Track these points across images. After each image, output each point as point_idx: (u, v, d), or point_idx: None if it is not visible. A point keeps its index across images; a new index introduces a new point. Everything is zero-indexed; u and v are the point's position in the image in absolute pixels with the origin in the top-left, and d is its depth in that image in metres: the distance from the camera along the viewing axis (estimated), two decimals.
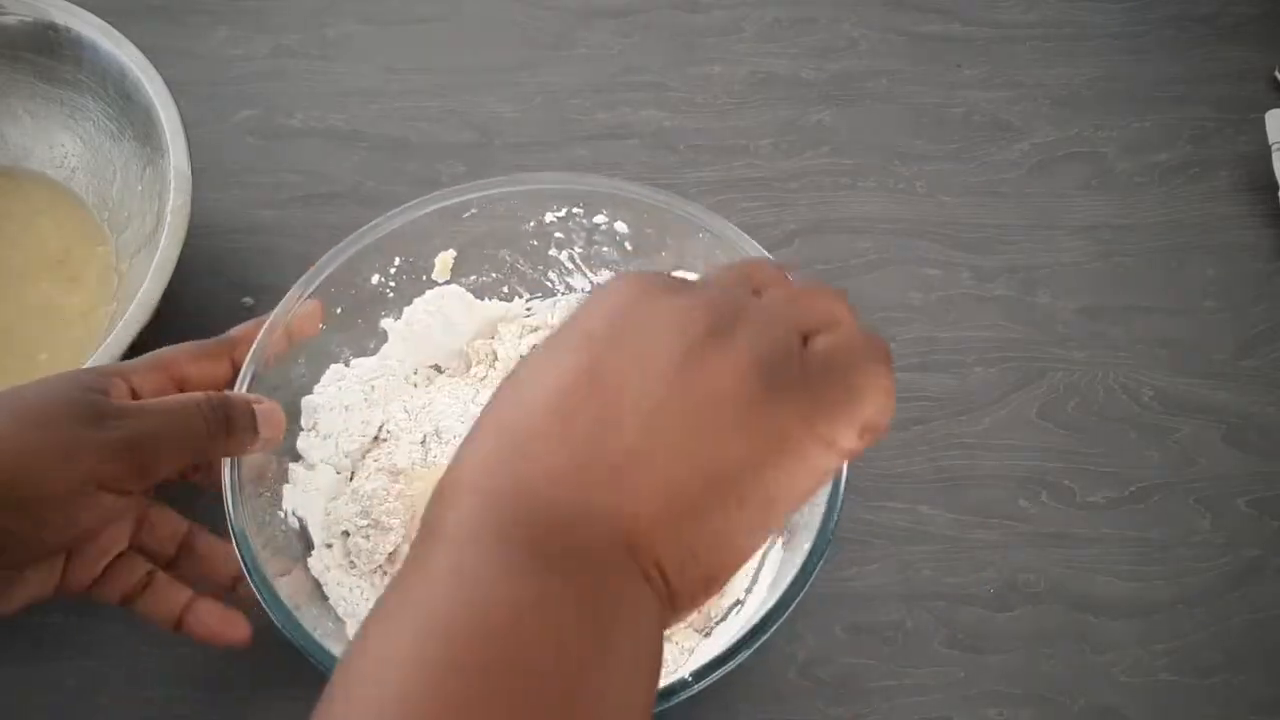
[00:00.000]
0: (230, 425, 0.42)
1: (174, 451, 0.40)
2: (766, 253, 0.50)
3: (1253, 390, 0.59)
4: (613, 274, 0.29)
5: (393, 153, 0.67)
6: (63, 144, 0.63)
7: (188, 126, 0.56)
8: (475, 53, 0.71)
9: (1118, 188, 0.66)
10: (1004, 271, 0.63)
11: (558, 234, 0.54)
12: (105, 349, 0.49)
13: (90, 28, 0.59)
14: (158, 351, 0.43)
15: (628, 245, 0.54)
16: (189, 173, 0.55)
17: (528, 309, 0.56)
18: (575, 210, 0.53)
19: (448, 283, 0.55)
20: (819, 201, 0.65)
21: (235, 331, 0.46)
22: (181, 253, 0.53)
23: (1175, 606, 0.53)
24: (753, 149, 0.67)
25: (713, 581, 0.29)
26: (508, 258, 0.55)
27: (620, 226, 0.53)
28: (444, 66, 0.71)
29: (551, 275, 0.56)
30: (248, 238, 0.63)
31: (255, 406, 0.43)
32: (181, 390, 0.43)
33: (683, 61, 0.71)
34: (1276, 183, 0.64)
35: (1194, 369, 0.59)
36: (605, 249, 0.55)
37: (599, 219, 0.54)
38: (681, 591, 0.28)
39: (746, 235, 0.50)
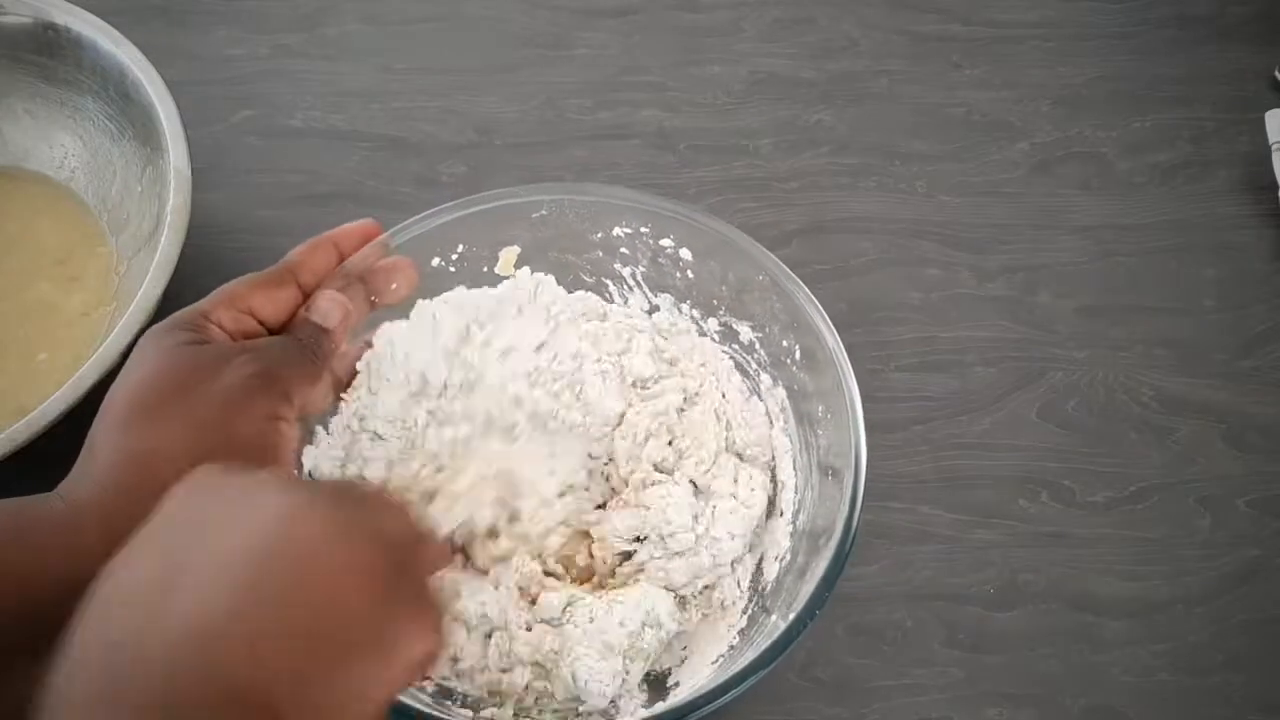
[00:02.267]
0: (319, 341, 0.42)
1: (299, 369, 0.40)
2: (818, 304, 0.50)
3: (1253, 390, 0.59)
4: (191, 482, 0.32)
5: (393, 153, 0.67)
6: (63, 144, 0.63)
7: (188, 126, 0.56)
8: (475, 53, 0.71)
9: (1118, 188, 0.66)
10: (1004, 271, 0.63)
11: (623, 249, 0.54)
12: (105, 349, 0.49)
13: (90, 28, 0.59)
14: (222, 289, 0.42)
15: (690, 273, 0.54)
16: (189, 173, 0.55)
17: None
18: (643, 229, 0.53)
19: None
20: (819, 201, 0.65)
21: (293, 255, 0.44)
22: (181, 252, 0.53)
23: (1175, 606, 0.53)
24: (753, 149, 0.67)
25: None
26: (572, 262, 0.55)
27: (685, 253, 0.53)
28: (444, 66, 0.71)
29: (612, 288, 0.56)
30: (248, 238, 0.63)
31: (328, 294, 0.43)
32: (257, 319, 0.42)
33: (683, 61, 0.71)
34: (1276, 183, 0.64)
35: (1194, 369, 0.59)
36: (668, 272, 0.55)
37: (665, 242, 0.53)
38: None
39: (801, 283, 0.50)
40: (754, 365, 0.54)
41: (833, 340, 0.49)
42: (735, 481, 0.51)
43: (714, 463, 0.51)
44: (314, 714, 0.28)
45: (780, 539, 0.50)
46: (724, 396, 0.53)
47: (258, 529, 0.29)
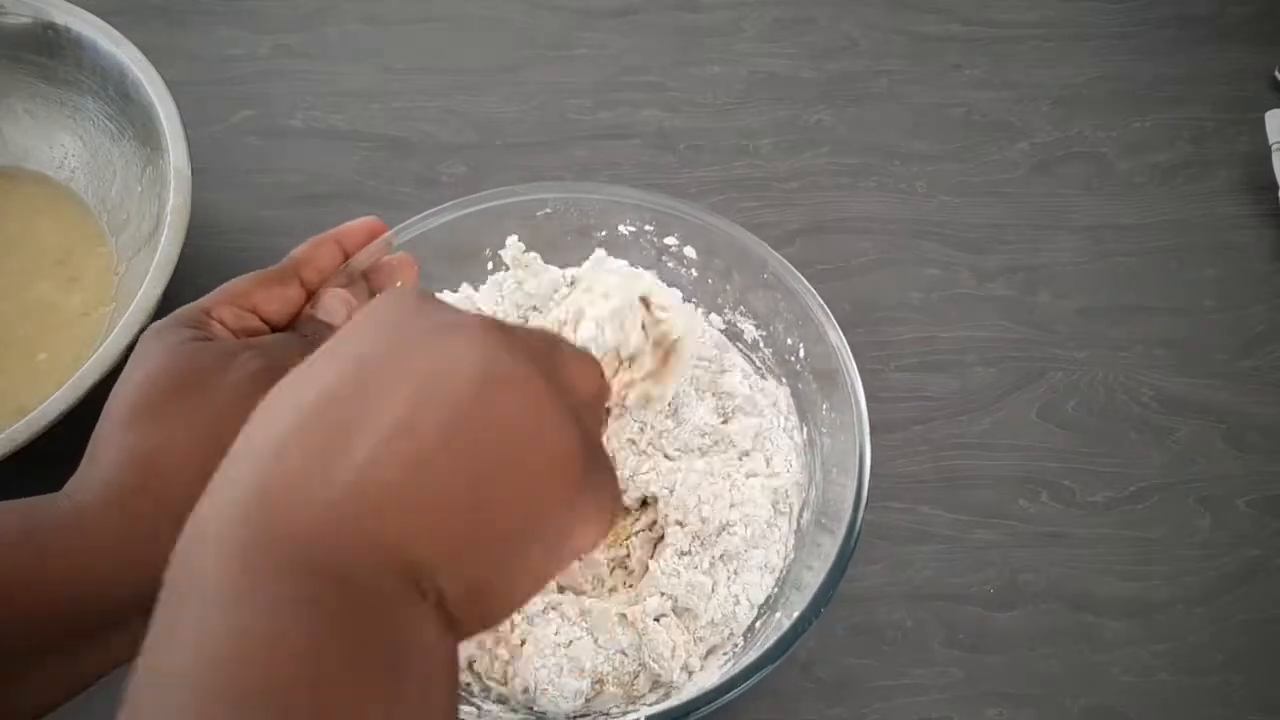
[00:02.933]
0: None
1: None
2: (822, 302, 0.50)
3: (1253, 390, 0.59)
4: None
5: (393, 153, 0.67)
6: (63, 144, 0.63)
7: (187, 126, 0.56)
8: (475, 53, 0.71)
9: (1118, 188, 0.66)
10: (1004, 271, 0.63)
11: (627, 247, 0.54)
12: (105, 349, 0.49)
13: (90, 28, 0.59)
14: (225, 286, 0.42)
15: (694, 271, 0.54)
16: (189, 173, 0.55)
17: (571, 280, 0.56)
18: (647, 227, 0.54)
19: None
20: (819, 201, 0.65)
21: (296, 253, 0.44)
22: (181, 252, 0.53)
23: (1175, 606, 0.53)
24: (753, 149, 0.67)
25: (499, 614, 0.28)
26: (577, 260, 0.55)
27: (689, 251, 0.54)
28: (444, 66, 0.71)
29: None
30: (248, 238, 0.63)
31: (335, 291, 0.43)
32: (260, 317, 0.42)
33: (683, 61, 0.71)
34: (1276, 183, 0.64)
35: (1194, 369, 0.59)
36: (672, 270, 0.55)
37: (670, 240, 0.54)
38: (466, 619, 0.26)
39: (806, 281, 0.50)
40: (758, 363, 0.54)
41: (837, 338, 0.49)
42: (767, 549, 0.50)
43: (760, 536, 0.50)
44: (476, 596, 0.26)
45: (784, 538, 0.50)
46: (775, 438, 0.53)
47: (453, 388, 0.26)
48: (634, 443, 0.51)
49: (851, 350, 0.48)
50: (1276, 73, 0.69)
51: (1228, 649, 0.52)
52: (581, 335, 0.44)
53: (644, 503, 0.51)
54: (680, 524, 0.49)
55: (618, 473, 0.49)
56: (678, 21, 0.73)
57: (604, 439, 0.31)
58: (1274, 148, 0.64)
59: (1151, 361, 0.60)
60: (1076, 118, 0.68)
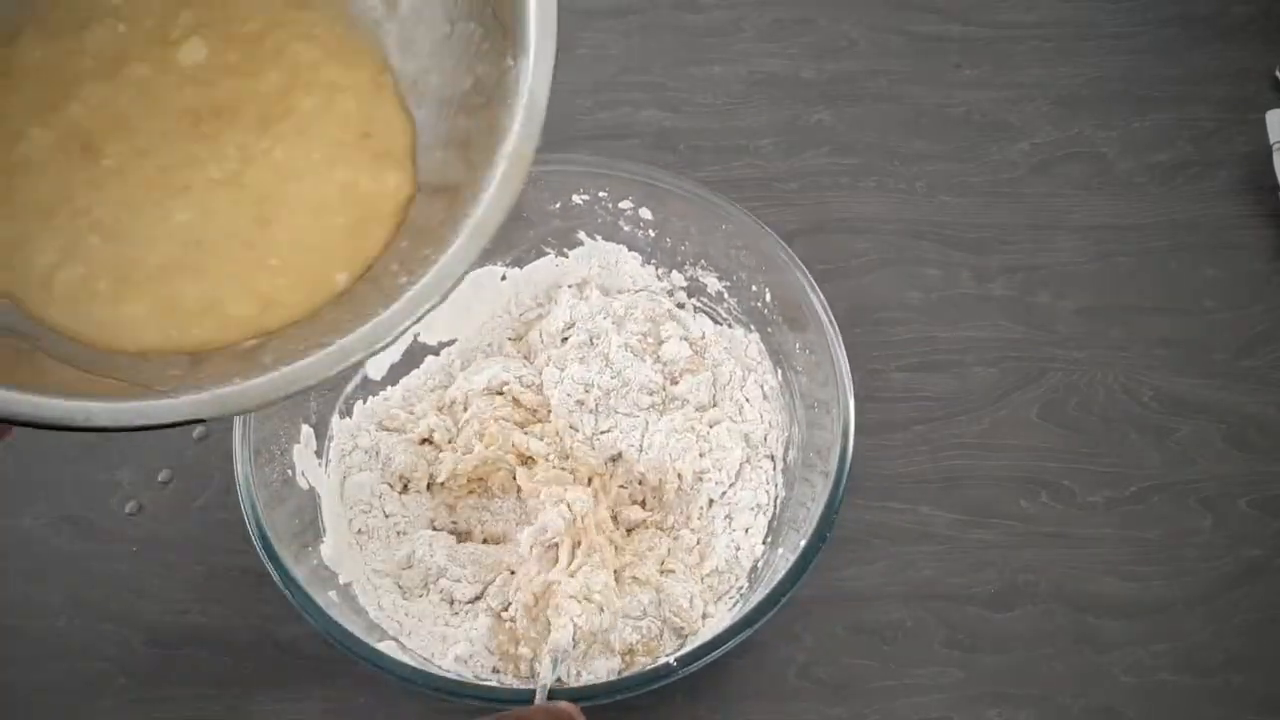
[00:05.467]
0: None
1: None
2: (785, 244, 0.50)
3: (1253, 390, 0.59)
4: None
5: None
6: None
7: None
8: None
9: (1118, 188, 0.66)
10: (1004, 271, 0.63)
11: (583, 215, 0.55)
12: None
13: None
14: None
15: (651, 232, 0.55)
16: (545, 105, 0.32)
17: (556, 264, 0.57)
18: (601, 194, 0.54)
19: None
20: (819, 201, 0.65)
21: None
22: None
23: (1175, 606, 0.53)
24: (753, 149, 0.67)
25: None
26: (532, 236, 0.56)
27: (645, 213, 0.54)
28: None
29: (574, 255, 0.57)
30: None
31: None
32: None
33: (683, 61, 0.71)
34: (1276, 183, 0.64)
35: (1194, 369, 0.59)
36: (629, 234, 0.55)
37: (625, 204, 0.54)
38: None
39: (768, 228, 0.51)
40: (723, 314, 0.55)
41: (803, 277, 0.50)
42: (755, 490, 0.51)
43: (736, 477, 0.52)
44: None
45: (770, 478, 0.51)
46: (745, 386, 0.54)
47: None
48: (582, 404, 0.52)
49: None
50: (1277, 72, 0.69)
51: (1228, 649, 0.52)
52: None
53: (613, 460, 0.52)
54: (657, 486, 0.51)
55: (577, 434, 0.52)
56: (678, 21, 0.73)
57: None
58: (1274, 148, 0.64)
59: (1151, 361, 0.60)
60: (1076, 118, 0.68)
